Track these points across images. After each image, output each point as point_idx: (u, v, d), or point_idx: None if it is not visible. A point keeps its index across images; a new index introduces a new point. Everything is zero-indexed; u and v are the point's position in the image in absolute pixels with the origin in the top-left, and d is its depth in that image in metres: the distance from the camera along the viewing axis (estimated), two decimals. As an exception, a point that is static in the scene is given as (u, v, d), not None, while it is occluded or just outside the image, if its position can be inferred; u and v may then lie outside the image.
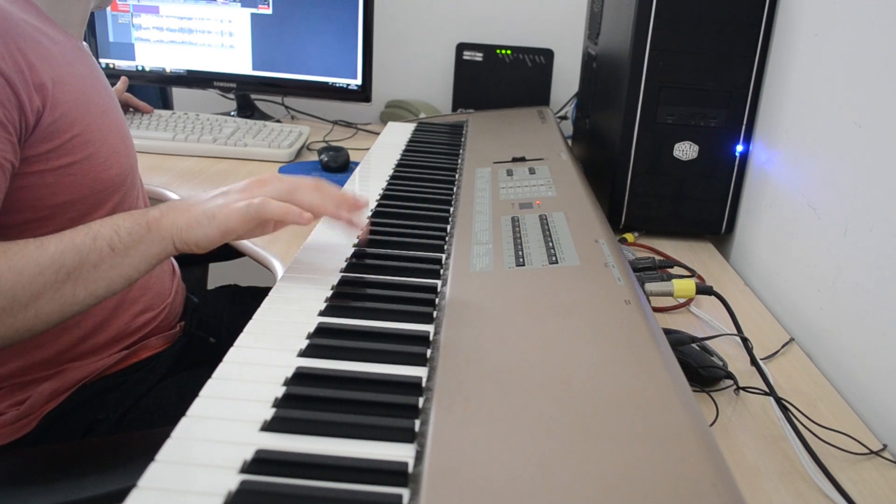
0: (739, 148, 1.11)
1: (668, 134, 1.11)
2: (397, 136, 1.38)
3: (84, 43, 0.87)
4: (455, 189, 1.03)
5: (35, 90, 0.70)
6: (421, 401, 0.51)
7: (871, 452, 0.66)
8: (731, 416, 0.71)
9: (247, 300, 1.14)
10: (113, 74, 1.50)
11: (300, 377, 0.54)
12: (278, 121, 1.67)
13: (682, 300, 0.93)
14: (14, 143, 0.69)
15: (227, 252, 1.09)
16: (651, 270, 0.79)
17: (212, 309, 1.11)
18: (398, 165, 1.16)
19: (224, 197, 0.71)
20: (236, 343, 0.58)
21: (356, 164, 1.21)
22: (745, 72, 1.08)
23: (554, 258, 0.73)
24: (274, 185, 0.71)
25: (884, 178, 0.76)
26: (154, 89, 1.77)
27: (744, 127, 1.10)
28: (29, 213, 0.74)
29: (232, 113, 1.69)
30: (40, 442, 0.81)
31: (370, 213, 0.91)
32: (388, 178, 1.08)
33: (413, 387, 0.53)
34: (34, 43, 0.71)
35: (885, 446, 0.67)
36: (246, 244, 0.97)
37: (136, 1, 1.57)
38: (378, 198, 0.98)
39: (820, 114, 0.91)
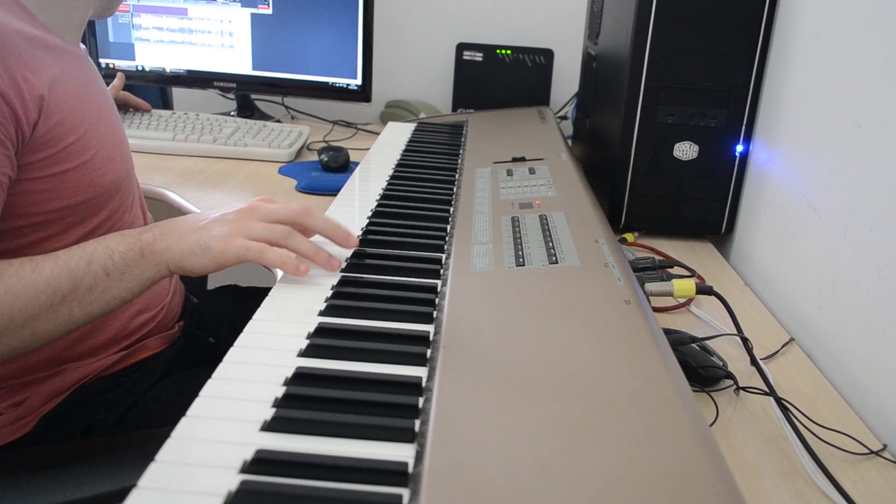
0: (739, 148, 1.11)
1: (668, 134, 1.11)
2: (397, 136, 1.38)
3: (82, 46, 0.87)
4: (455, 189, 1.03)
5: (31, 103, 0.70)
6: (421, 401, 0.51)
7: (871, 452, 0.66)
8: (731, 416, 0.71)
9: (247, 300, 1.14)
10: (113, 74, 1.50)
11: (300, 377, 0.54)
12: (278, 121, 1.67)
13: (682, 300, 0.93)
14: (11, 158, 0.69)
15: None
16: (651, 270, 0.79)
17: (212, 309, 1.11)
18: (398, 165, 1.16)
19: (219, 227, 0.71)
20: (236, 343, 0.58)
21: (356, 164, 1.21)
22: (745, 72, 1.08)
23: (554, 258, 0.73)
24: (268, 224, 0.71)
25: (884, 178, 0.76)
26: (154, 89, 1.77)
27: (744, 127, 1.10)
28: (24, 220, 0.74)
29: (232, 113, 1.69)
30: (38, 443, 0.81)
31: (370, 213, 0.91)
32: (388, 178, 1.08)
33: (413, 387, 0.53)
34: (29, 55, 0.71)
35: (885, 446, 0.67)
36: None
37: (136, 1, 1.57)
38: (378, 198, 0.98)
39: (820, 114, 0.91)
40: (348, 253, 0.77)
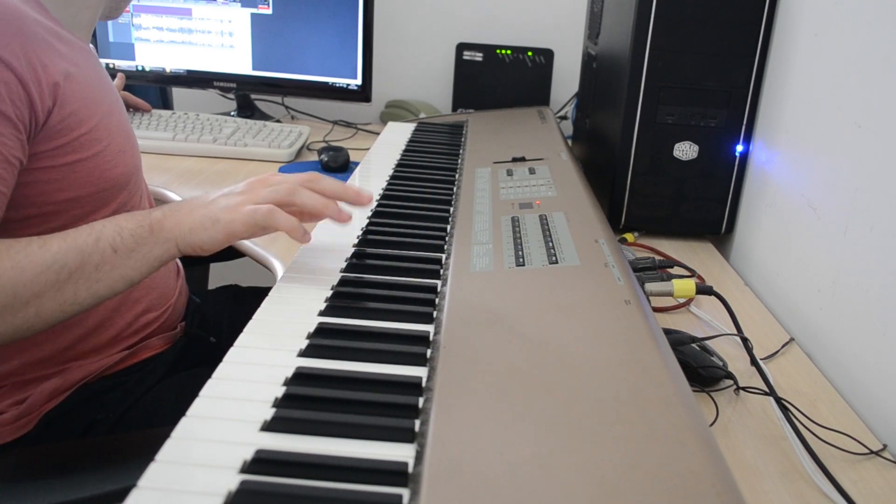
0: (739, 148, 1.11)
1: (668, 134, 1.11)
2: (397, 136, 1.38)
3: (90, 45, 0.88)
4: (455, 189, 1.03)
5: (47, 89, 0.70)
6: (421, 401, 0.51)
7: (871, 452, 0.66)
8: (731, 416, 0.71)
9: (248, 300, 1.14)
10: (113, 74, 1.50)
11: (300, 377, 0.54)
12: (278, 121, 1.67)
13: (682, 300, 0.93)
14: (23, 142, 0.69)
15: (228, 252, 1.09)
16: (651, 270, 0.79)
17: (213, 309, 1.11)
18: (398, 165, 1.16)
19: (226, 199, 0.71)
20: (236, 343, 0.58)
21: (356, 164, 1.21)
22: (745, 72, 1.08)
23: (554, 258, 0.73)
24: (274, 186, 0.72)
25: (884, 178, 0.76)
26: (154, 89, 1.77)
27: (744, 127, 1.10)
28: (33, 209, 0.74)
29: (232, 113, 1.69)
30: (39, 442, 0.81)
31: (370, 213, 0.91)
32: (388, 178, 1.08)
33: (413, 387, 0.53)
34: (46, 43, 0.72)
35: (885, 446, 0.67)
36: (247, 244, 0.97)
37: (136, 1, 1.56)
38: (378, 198, 0.98)
39: (820, 114, 0.91)
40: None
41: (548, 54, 1.72)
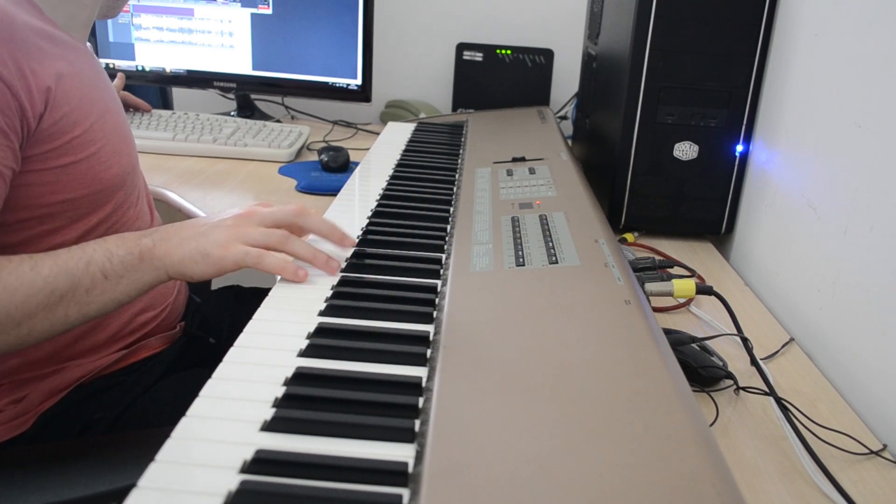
0: (739, 148, 1.11)
1: (668, 134, 1.11)
2: (397, 136, 1.38)
3: (88, 44, 0.88)
4: (455, 189, 1.03)
5: (38, 95, 0.70)
6: (421, 401, 0.51)
7: (871, 452, 0.66)
8: (731, 416, 0.71)
9: (249, 300, 1.14)
10: (113, 74, 1.50)
11: (300, 377, 0.54)
12: (278, 121, 1.67)
13: (682, 300, 0.93)
14: (15, 150, 0.69)
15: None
16: (651, 270, 0.79)
17: (214, 309, 1.11)
18: (398, 165, 1.16)
19: (218, 233, 0.71)
20: (236, 343, 0.58)
21: (356, 164, 1.21)
22: (745, 72, 1.08)
23: (554, 258, 0.73)
24: (266, 230, 0.71)
25: (884, 178, 0.76)
26: (154, 89, 1.77)
27: (744, 127, 1.10)
28: (27, 212, 0.74)
29: (232, 113, 1.69)
30: (36, 441, 0.81)
31: (370, 213, 0.91)
32: (388, 178, 1.08)
33: (413, 387, 0.53)
34: (37, 47, 0.72)
35: (885, 446, 0.67)
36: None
37: (136, 1, 1.57)
38: (378, 198, 0.98)
39: (820, 114, 0.91)
40: (348, 253, 0.77)
41: (548, 54, 1.72)
